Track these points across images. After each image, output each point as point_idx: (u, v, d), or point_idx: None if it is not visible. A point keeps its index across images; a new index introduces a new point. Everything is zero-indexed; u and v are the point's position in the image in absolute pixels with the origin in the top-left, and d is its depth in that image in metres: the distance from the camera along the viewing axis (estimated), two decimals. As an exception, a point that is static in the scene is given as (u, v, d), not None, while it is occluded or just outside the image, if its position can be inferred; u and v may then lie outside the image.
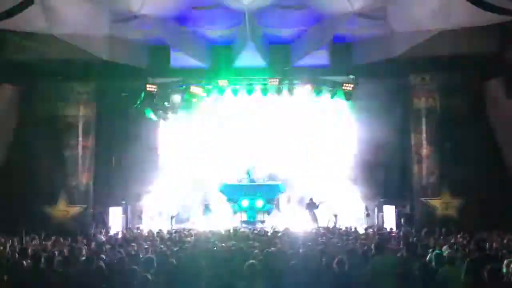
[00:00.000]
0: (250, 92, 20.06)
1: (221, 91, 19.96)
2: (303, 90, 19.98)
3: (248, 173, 21.80)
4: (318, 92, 20.04)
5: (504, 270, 6.52)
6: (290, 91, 19.92)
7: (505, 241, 11.52)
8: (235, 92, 20.08)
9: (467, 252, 9.44)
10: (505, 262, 6.77)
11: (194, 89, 19.72)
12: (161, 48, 19.32)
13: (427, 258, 8.22)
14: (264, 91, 19.99)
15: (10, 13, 14.97)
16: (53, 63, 17.63)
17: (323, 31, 18.21)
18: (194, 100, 20.51)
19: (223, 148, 22.56)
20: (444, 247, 9.70)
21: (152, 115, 20.87)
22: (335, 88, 19.90)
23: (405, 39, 17.46)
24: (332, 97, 20.37)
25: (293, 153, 22.49)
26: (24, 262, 8.19)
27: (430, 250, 9.05)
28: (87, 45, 17.31)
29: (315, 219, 20.24)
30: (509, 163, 18.23)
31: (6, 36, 16.55)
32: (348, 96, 19.77)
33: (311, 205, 20.64)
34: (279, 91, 19.91)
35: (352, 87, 19.28)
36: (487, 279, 6.05)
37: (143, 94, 19.46)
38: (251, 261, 7.21)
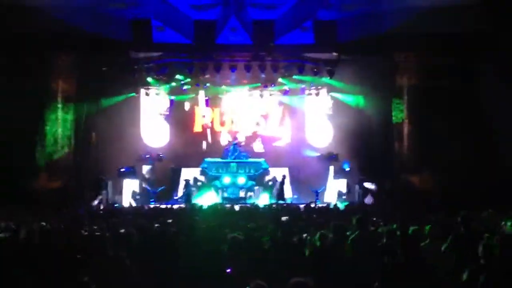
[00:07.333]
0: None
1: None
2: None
3: (232, 149, 21.66)
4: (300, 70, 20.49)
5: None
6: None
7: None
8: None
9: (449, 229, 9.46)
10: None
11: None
12: (144, 23, 18.97)
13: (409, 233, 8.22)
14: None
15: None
16: (34, 35, 17.28)
17: (307, 7, 18.01)
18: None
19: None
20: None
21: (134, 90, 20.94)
22: (318, 65, 19.99)
23: (392, 17, 17.30)
24: (315, 74, 20.60)
25: (275, 129, 22.57)
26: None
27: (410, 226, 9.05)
28: (69, 17, 16.96)
29: (281, 195, 20.02)
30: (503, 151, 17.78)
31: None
32: (331, 73, 20.04)
33: (282, 182, 20.43)
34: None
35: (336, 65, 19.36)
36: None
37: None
38: (233, 234, 7.17)
